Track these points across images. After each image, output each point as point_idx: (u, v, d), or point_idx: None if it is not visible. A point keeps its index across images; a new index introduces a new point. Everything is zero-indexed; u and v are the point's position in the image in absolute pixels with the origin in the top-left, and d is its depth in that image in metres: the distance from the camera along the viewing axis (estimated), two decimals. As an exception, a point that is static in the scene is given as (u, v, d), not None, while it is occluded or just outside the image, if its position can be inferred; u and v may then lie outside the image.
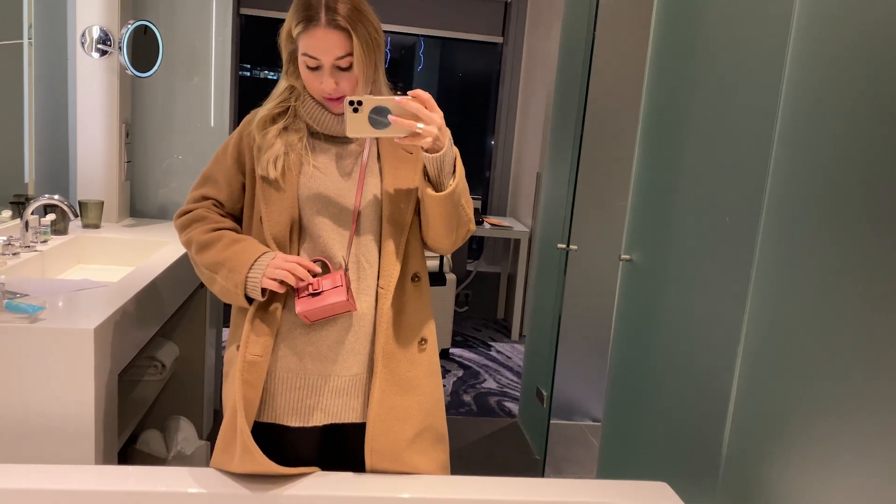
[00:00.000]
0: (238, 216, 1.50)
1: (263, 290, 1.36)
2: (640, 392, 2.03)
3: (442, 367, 3.91)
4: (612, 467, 2.25)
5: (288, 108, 1.42)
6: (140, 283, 1.85)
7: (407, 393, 1.44)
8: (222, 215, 1.47)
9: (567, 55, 2.94)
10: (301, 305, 1.35)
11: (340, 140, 1.44)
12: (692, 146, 1.80)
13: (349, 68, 1.33)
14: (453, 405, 3.42)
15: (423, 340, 1.47)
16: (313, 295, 1.35)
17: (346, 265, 1.40)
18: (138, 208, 2.77)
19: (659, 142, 2.02)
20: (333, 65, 1.32)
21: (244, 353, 1.38)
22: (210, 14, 2.69)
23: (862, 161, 1.19)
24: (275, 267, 1.35)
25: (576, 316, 3.11)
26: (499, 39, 4.94)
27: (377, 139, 1.44)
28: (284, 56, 1.41)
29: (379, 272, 1.42)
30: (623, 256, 2.14)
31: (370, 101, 1.27)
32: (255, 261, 1.36)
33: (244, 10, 4.64)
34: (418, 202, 1.43)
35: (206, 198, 1.47)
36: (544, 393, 2.79)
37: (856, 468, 1.16)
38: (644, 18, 2.12)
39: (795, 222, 1.35)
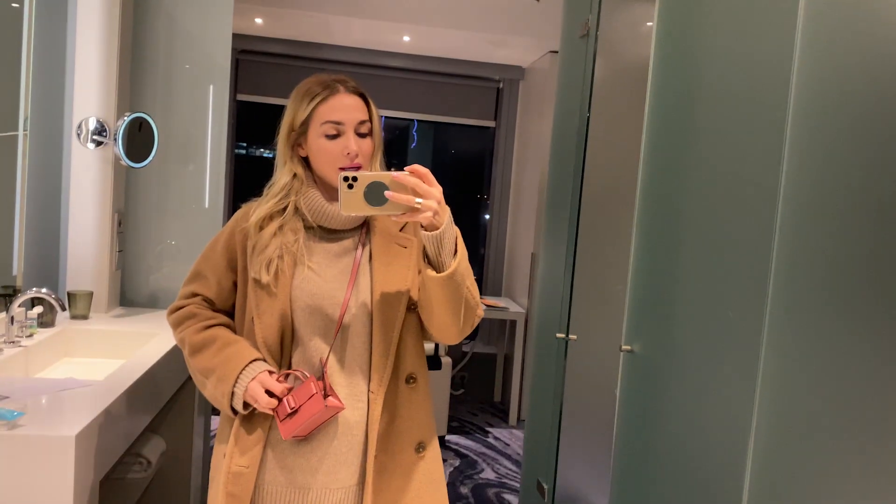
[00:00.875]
0: (229, 311, 1.45)
1: (246, 404, 1.32)
2: (646, 489, 1.95)
3: (438, 455, 3.80)
4: (619, 570, 2.14)
5: (286, 207, 1.39)
6: (128, 379, 1.78)
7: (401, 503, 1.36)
8: (214, 310, 1.43)
9: (560, 136, 2.97)
10: (284, 429, 1.30)
11: (337, 236, 1.41)
12: (691, 234, 1.78)
13: (367, 135, 1.37)
14: (451, 499, 3.28)
15: (421, 446, 1.40)
16: (292, 414, 1.29)
17: (324, 367, 1.34)
18: (129, 297, 2.73)
19: (657, 228, 2.00)
20: (355, 130, 1.35)
21: (229, 463, 1.31)
22: (207, 102, 2.72)
23: (863, 251, 1.16)
24: (255, 392, 1.31)
25: (577, 405, 3.03)
26: (491, 123, 5.03)
27: (370, 231, 1.41)
28: (286, 146, 1.39)
29: (370, 376, 1.36)
30: (624, 347, 2.09)
31: (366, 177, 1.22)
32: (242, 372, 1.31)
33: (241, 97, 4.72)
34: (411, 300, 1.39)
35: (196, 294, 1.44)
36: (545, 486, 2.68)
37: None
38: (639, 98, 2.14)
39: (801, 315, 1.32)
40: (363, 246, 1.41)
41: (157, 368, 1.98)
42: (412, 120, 5.21)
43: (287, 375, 1.35)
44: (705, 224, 1.72)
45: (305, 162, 1.41)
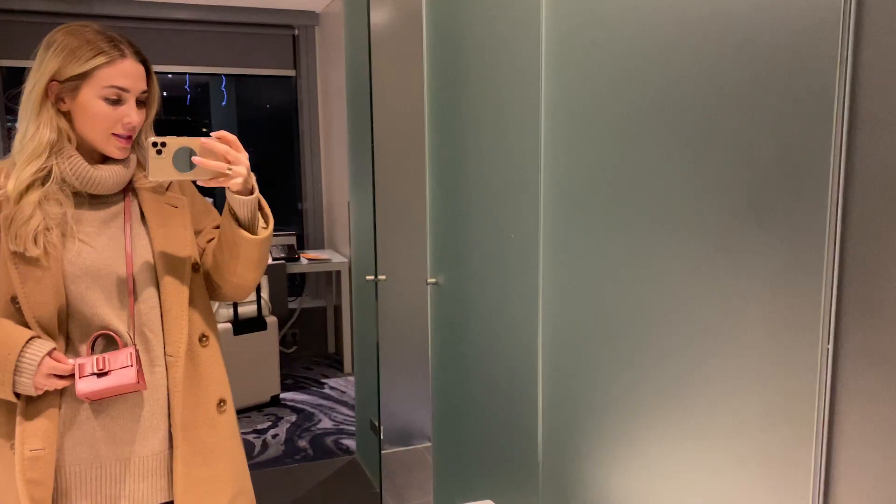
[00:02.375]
0: None
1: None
2: (462, 410, 2.07)
3: (273, 414, 3.79)
4: (446, 489, 2.27)
5: (48, 173, 1.26)
6: None
7: (213, 462, 1.36)
8: None
9: (353, 84, 2.96)
10: (83, 385, 1.22)
11: (103, 201, 1.32)
12: (472, 170, 1.87)
13: (143, 105, 1.31)
14: (288, 453, 3.30)
15: (222, 402, 1.40)
16: (99, 375, 1.23)
17: (133, 341, 1.29)
18: None
19: (444, 168, 2.08)
20: (137, 98, 1.28)
21: (22, 449, 1.23)
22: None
23: (611, 164, 1.29)
24: (45, 376, 1.22)
25: (398, 343, 3.13)
26: (291, 73, 4.90)
27: (135, 193, 1.35)
28: (43, 99, 1.25)
29: (164, 340, 1.32)
30: (429, 280, 2.18)
31: (175, 143, 1.21)
32: (20, 357, 1.20)
33: (2, 62, 4.23)
34: (193, 258, 1.36)
35: None
36: (377, 424, 2.77)
37: (645, 455, 1.25)
38: (418, 44, 2.18)
39: (568, 230, 1.45)
40: (130, 207, 1.34)
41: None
42: (216, 76, 4.95)
43: (99, 337, 1.28)
44: (484, 155, 1.81)
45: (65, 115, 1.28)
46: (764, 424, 1.00)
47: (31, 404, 1.25)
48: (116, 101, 1.26)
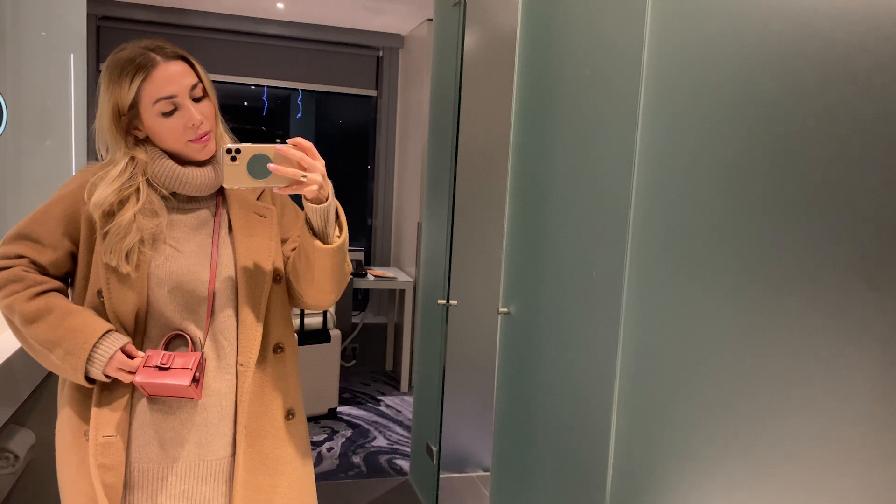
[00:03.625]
0: (60, 277, 1.35)
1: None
2: (526, 443, 2.04)
3: (329, 427, 3.81)
4: (503, 522, 2.24)
5: (138, 187, 1.29)
6: (-19, 372, 1.67)
7: (276, 472, 1.37)
8: (41, 273, 1.32)
9: (437, 105, 2.99)
10: (143, 375, 1.25)
11: (195, 205, 1.36)
12: (556, 200, 1.86)
13: (203, 97, 1.29)
14: (342, 468, 3.31)
15: (291, 413, 1.41)
16: (160, 369, 1.26)
17: (203, 348, 1.32)
18: (-16, 283, 2.54)
19: (526, 197, 2.07)
20: (190, 96, 1.27)
21: (95, 435, 1.26)
22: (65, 72, 2.54)
23: (709, 214, 1.26)
24: (115, 369, 1.26)
25: (460, 368, 3.11)
26: (373, 93, 4.99)
27: (226, 200, 1.38)
28: (115, 134, 1.29)
29: (238, 349, 1.34)
30: (501, 309, 2.16)
31: (249, 149, 1.21)
32: (96, 345, 1.25)
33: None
34: (276, 270, 1.38)
35: (22, 257, 1.30)
36: (433, 448, 2.75)
37: (726, 514, 1.20)
38: (509, 67, 2.19)
39: (656, 276, 1.41)
40: (220, 217, 1.37)
41: (15, 358, 1.87)
42: (295, 90, 5.09)
43: (174, 337, 1.31)
44: (570, 189, 1.80)
45: (144, 140, 1.32)
46: (859, 495, 0.94)
47: (106, 392, 1.29)
48: (173, 110, 1.26)
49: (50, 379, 2.30)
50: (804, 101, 1.05)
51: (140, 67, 1.24)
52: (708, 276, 1.25)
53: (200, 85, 1.29)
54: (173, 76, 1.25)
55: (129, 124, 1.29)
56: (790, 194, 1.07)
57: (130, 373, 1.26)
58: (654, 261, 1.42)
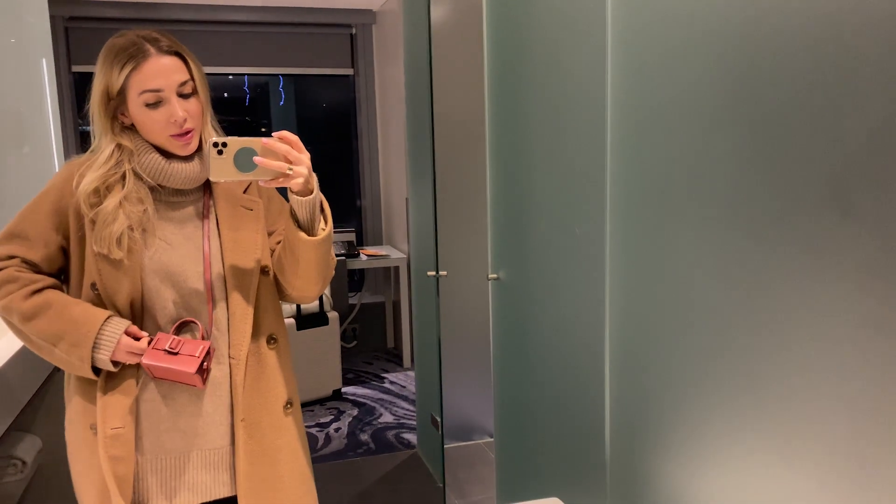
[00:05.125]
0: (54, 275, 1.35)
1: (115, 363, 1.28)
2: (525, 407, 2.06)
3: (335, 408, 3.84)
4: (509, 484, 2.27)
5: (123, 174, 1.30)
6: (-22, 380, 1.68)
7: (278, 462, 1.38)
8: (34, 272, 1.32)
9: (412, 80, 2.98)
10: (150, 357, 1.27)
11: (182, 198, 1.36)
12: (534, 161, 1.86)
13: (191, 95, 1.29)
14: (350, 447, 3.35)
15: (289, 403, 1.42)
16: (169, 353, 1.28)
17: (210, 337, 1.34)
18: (-25, 295, 2.54)
19: (506, 162, 2.07)
20: (177, 92, 1.26)
21: (104, 427, 1.28)
22: (38, 79, 2.52)
23: (684, 159, 1.26)
24: (127, 349, 1.27)
25: (459, 339, 3.13)
26: (350, 71, 4.95)
27: (213, 194, 1.39)
28: (103, 117, 1.30)
29: (229, 341, 1.35)
30: (491, 276, 2.18)
31: (235, 143, 1.21)
32: (100, 332, 1.26)
33: (77, 68, 4.40)
34: (262, 262, 1.39)
35: (12, 257, 1.31)
36: (438, 419, 2.78)
37: (717, 455, 1.22)
38: (478, 34, 2.18)
39: (638, 225, 1.42)
40: (208, 210, 1.37)
41: (13, 363, 1.88)
42: (275, 75, 5.05)
43: (185, 324, 1.33)
44: (547, 150, 1.80)
45: (130, 128, 1.33)
46: (848, 423, 0.96)
47: (111, 384, 1.31)
48: (157, 103, 1.26)
49: (52, 383, 2.31)
50: (773, 32, 1.05)
51: (132, 57, 1.25)
52: (687, 219, 1.26)
53: (191, 83, 1.29)
54: (162, 70, 1.25)
55: (115, 109, 1.29)
56: (763, 129, 1.07)
57: (138, 354, 1.28)
58: (634, 210, 1.43)
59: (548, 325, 1.86)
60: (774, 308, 1.07)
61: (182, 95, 1.28)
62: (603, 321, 1.56)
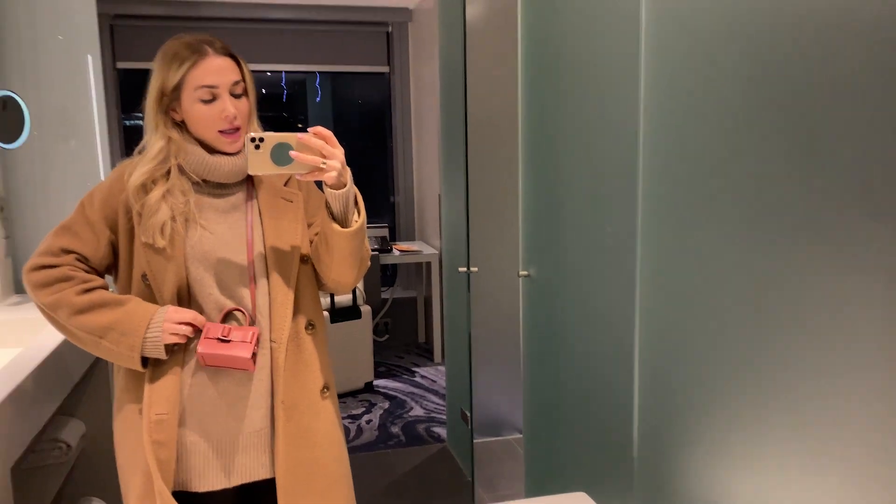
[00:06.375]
0: (102, 272, 1.43)
1: (166, 349, 1.34)
2: (554, 403, 2.08)
3: (367, 401, 3.90)
4: (537, 480, 2.29)
5: (168, 170, 1.38)
6: (27, 366, 1.75)
7: (315, 445, 1.43)
8: (87, 271, 1.40)
9: (447, 77, 3.00)
10: (204, 347, 1.34)
11: (225, 191, 1.42)
12: (567, 159, 1.87)
13: (241, 96, 1.37)
14: (381, 439, 3.39)
15: (326, 388, 1.47)
16: (222, 340, 1.34)
17: (254, 321, 1.40)
18: (23, 284, 2.64)
19: (538, 160, 2.08)
20: (229, 91, 1.35)
21: (148, 413, 1.34)
22: (84, 74, 2.60)
23: (715, 158, 1.27)
24: (173, 322, 1.33)
25: (490, 334, 3.16)
26: (385, 69, 4.99)
27: (255, 186, 1.44)
28: (157, 112, 1.37)
29: (271, 326, 1.40)
30: (521, 273, 2.20)
31: (272, 138, 1.28)
32: (152, 320, 1.33)
33: (121, 65, 4.52)
34: (303, 252, 1.44)
35: (67, 251, 1.38)
36: (468, 413, 2.81)
37: (747, 454, 1.23)
38: (513, 34, 2.20)
39: (668, 224, 1.43)
40: (250, 201, 1.43)
41: (61, 350, 1.95)
42: (312, 73, 5.12)
43: (230, 313, 1.39)
44: (579, 148, 1.81)
45: (180, 125, 1.40)
46: (877, 425, 0.97)
47: (157, 371, 1.37)
48: (211, 100, 1.34)
49: (97, 369, 2.39)
50: (807, 35, 1.05)
51: (191, 54, 1.33)
52: (718, 218, 1.27)
53: (242, 84, 1.38)
54: (219, 69, 1.34)
55: (168, 105, 1.37)
56: (794, 130, 1.08)
57: (187, 327, 1.34)
58: (665, 209, 1.43)
59: (577, 322, 1.87)
60: (807, 310, 1.07)
61: (234, 95, 1.36)
62: (633, 320, 1.57)
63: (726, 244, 1.24)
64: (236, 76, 1.37)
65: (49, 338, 2.02)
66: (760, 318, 1.16)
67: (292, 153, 1.27)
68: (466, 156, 2.48)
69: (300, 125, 5.33)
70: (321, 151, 1.28)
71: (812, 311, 1.05)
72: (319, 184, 1.37)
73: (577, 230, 1.84)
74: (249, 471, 1.41)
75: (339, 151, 1.30)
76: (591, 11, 1.69)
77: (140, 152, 1.41)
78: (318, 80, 5.27)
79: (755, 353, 1.18)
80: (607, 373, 1.71)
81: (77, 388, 2.33)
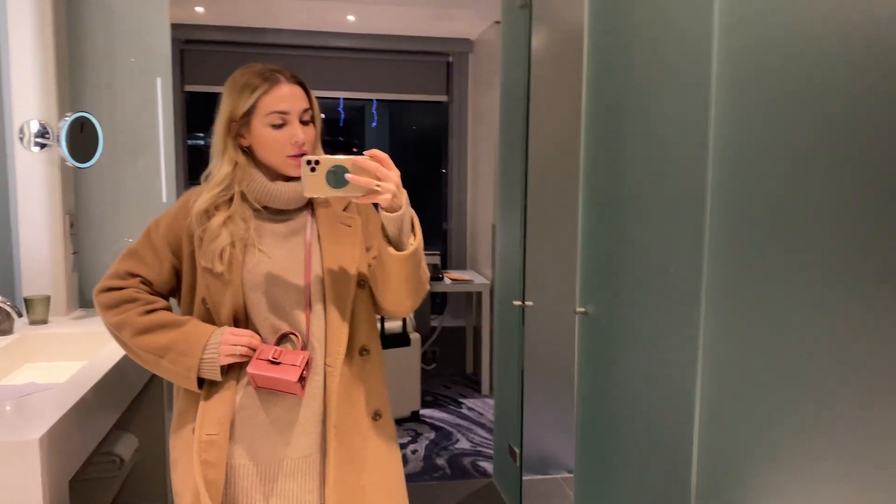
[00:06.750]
0: (166, 295, 1.48)
1: (221, 370, 1.36)
2: (608, 444, 2.02)
3: (413, 430, 3.87)
4: (588, 523, 2.22)
5: (231, 197, 1.42)
6: (91, 379, 1.79)
7: (364, 471, 1.42)
8: (151, 293, 1.44)
9: (507, 107, 3.00)
10: (255, 367, 1.35)
11: (286, 216, 1.44)
12: (630, 196, 1.84)
13: (309, 123, 1.41)
14: (427, 470, 3.36)
15: (378, 414, 1.46)
16: (272, 362, 1.35)
17: (307, 345, 1.41)
18: (88, 298, 2.71)
19: (599, 196, 2.05)
20: (299, 118, 1.38)
21: (200, 433, 1.35)
22: (152, 96, 2.69)
23: (787, 203, 1.22)
24: (229, 344, 1.35)
25: (541, 369, 3.10)
26: (444, 98, 5.04)
27: (314, 212, 1.46)
28: (225, 136, 1.41)
29: (326, 350, 1.41)
30: (578, 309, 2.16)
31: (328, 161, 1.28)
32: (209, 341, 1.35)
33: (189, 88, 4.66)
34: (360, 276, 1.45)
35: (132, 275, 1.43)
36: (516, 450, 2.76)
37: (819, 514, 1.17)
38: (578, 66, 2.18)
39: (735, 269, 1.38)
40: (310, 226, 1.45)
41: (122, 365, 1.99)
42: (369, 99, 5.20)
43: (284, 336, 1.40)
44: (645, 185, 1.77)
45: (245, 150, 1.43)
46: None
47: (211, 391, 1.38)
48: (281, 125, 1.37)
49: (151, 387, 2.43)
50: (884, 86, 1.01)
51: (265, 80, 1.38)
52: (790, 266, 1.22)
53: (310, 111, 1.42)
54: (291, 96, 1.38)
55: (237, 132, 1.41)
56: (873, 183, 1.03)
57: (243, 349, 1.36)
58: (733, 255, 1.39)
59: (636, 364, 1.82)
60: (886, 372, 1.01)
61: (302, 121, 1.40)
62: (695, 367, 1.52)
63: (800, 295, 1.19)
64: (305, 104, 1.40)
65: (111, 352, 2.06)
66: (836, 380, 1.11)
67: (347, 176, 1.27)
68: (525, 187, 2.46)
69: (355, 149, 5.41)
70: (376, 174, 1.28)
71: (889, 367, 1.00)
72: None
73: (639, 269, 1.80)
74: (296, 496, 1.40)
75: (395, 174, 1.30)
76: (660, 47, 1.67)
77: (206, 178, 1.45)
78: (374, 105, 5.35)
79: (828, 418, 1.12)
80: (665, 421, 1.65)
81: (131, 404, 2.38)
